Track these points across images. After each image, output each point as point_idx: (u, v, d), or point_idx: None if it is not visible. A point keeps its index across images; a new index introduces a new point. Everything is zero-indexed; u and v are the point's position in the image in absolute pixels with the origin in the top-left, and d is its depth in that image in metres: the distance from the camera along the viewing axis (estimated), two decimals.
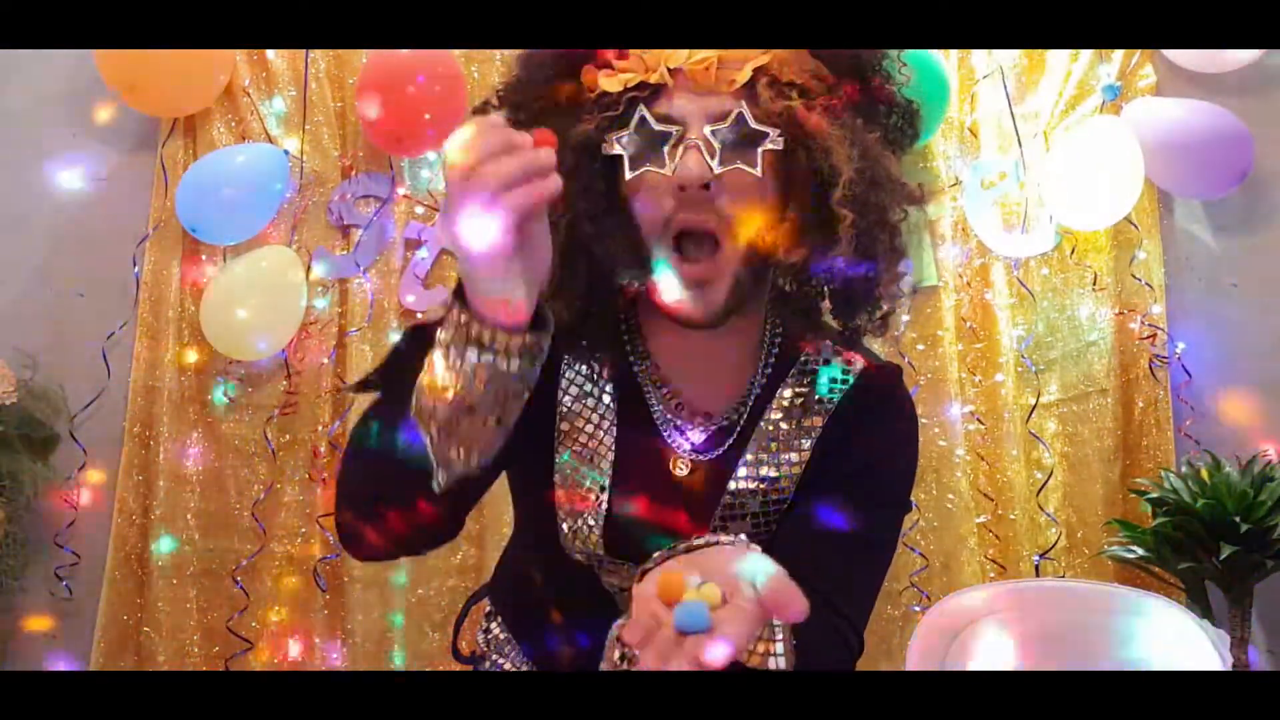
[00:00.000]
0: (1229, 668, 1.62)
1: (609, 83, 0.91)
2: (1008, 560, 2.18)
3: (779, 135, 0.89)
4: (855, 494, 0.96)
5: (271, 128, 2.24)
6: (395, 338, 1.42)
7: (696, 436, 1.01)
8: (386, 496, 0.86)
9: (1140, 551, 1.92)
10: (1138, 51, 2.24)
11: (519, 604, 1.12)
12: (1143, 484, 2.04)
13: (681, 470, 1.00)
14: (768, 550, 0.71)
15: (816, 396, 1.00)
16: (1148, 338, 2.20)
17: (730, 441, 1.00)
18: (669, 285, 0.92)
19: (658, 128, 0.89)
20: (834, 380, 1.00)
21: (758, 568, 0.66)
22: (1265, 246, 2.21)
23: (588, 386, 1.01)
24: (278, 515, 2.22)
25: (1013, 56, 2.25)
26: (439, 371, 0.78)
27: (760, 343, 1.02)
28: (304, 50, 2.22)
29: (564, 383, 1.01)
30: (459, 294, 0.78)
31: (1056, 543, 2.17)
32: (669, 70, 0.89)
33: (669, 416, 1.01)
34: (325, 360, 2.23)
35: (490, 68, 2.24)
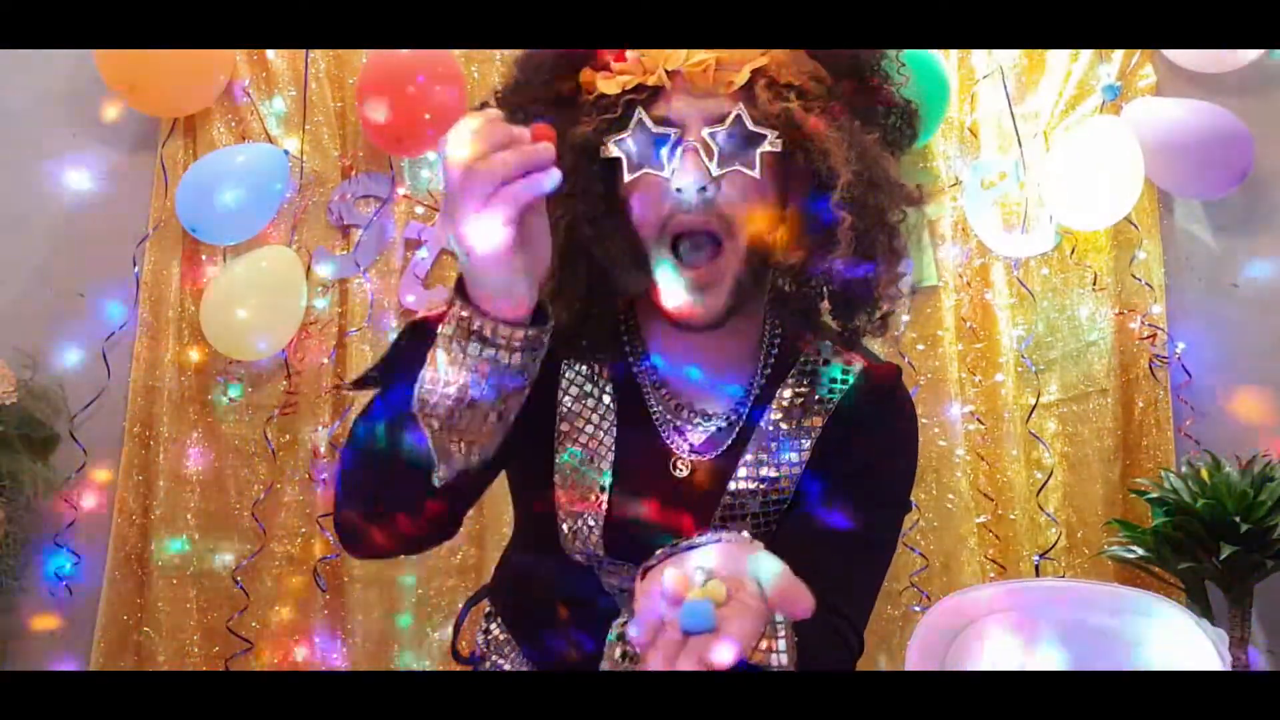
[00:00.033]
0: (1229, 668, 1.62)
1: (607, 85, 0.91)
2: (1008, 560, 2.18)
3: (777, 137, 0.89)
4: (855, 494, 0.96)
5: (271, 128, 2.23)
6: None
7: (696, 437, 1.01)
8: (386, 492, 0.86)
9: (1140, 551, 1.92)
10: (1138, 51, 2.24)
11: (519, 605, 1.12)
12: (1143, 484, 2.04)
13: (681, 470, 1.00)
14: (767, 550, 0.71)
15: (816, 397, 1.00)
16: (1148, 338, 2.20)
17: (730, 442, 1.00)
18: (670, 289, 0.92)
19: (656, 130, 0.89)
20: (834, 380, 1.00)
21: (763, 564, 0.66)
22: (1265, 246, 2.20)
23: (588, 387, 1.01)
24: (278, 515, 2.22)
25: (1013, 56, 2.25)
26: (441, 365, 0.78)
27: (760, 343, 1.03)
28: (304, 50, 2.22)
29: (564, 383, 1.01)
30: (460, 289, 0.79)
31: (1056, 543, 2.17)
32: (667, 72, 0.89)
33: (669, 417, 1.01)
34: (325, 360, 2.23)
35: (490, 68, 2.24)
